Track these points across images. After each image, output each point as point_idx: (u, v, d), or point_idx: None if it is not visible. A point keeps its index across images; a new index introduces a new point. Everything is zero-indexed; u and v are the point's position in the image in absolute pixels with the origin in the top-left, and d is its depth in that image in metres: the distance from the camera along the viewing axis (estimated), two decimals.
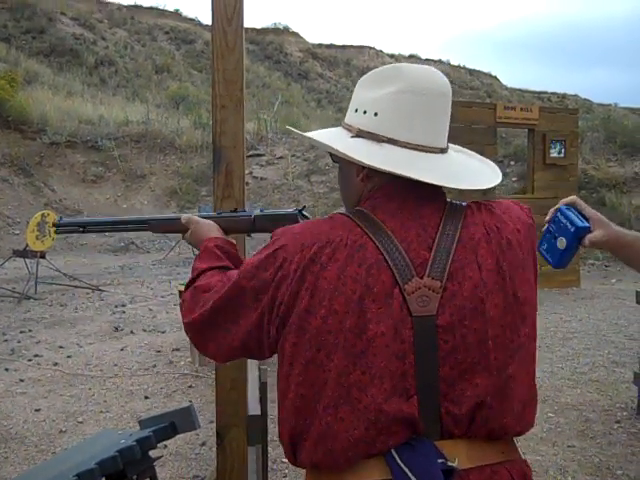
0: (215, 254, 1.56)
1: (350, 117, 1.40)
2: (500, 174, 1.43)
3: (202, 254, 1.59)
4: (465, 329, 1.23)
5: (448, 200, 1.36)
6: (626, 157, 14.07)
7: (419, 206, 1.32)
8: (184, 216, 1.79)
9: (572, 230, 1.47)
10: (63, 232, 1.96)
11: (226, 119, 2.26)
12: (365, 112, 1.36)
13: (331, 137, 1.40)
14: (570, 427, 4.47)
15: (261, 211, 1.83)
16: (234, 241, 1.70)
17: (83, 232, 1.94)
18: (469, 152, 1.48)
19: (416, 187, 1.32)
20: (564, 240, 1.49)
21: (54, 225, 1.94)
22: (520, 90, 41.14)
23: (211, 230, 1.71)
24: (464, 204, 1.36)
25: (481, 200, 1.39)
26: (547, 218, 1.53)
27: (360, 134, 1.36)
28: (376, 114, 1.34)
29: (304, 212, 1.78)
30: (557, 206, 1.52)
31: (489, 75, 44.59)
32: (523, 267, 1.31)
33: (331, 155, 1.43)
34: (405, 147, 1.33)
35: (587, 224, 1.47)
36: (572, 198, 1.52)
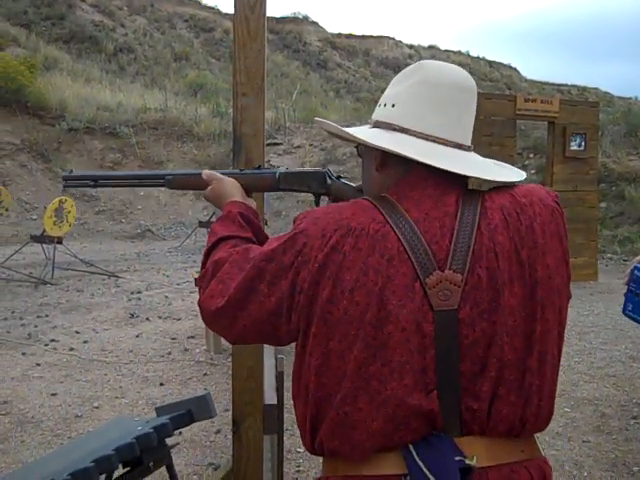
0: (238, 222, 1.51)
1: (375, 112, 1.42)
2: (524, 174, 1.40)
3: (224, 219, 1.53)
4: (485, 322, 1.21)
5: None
6: None
7: (442, 195, 1.29)
8: (205, 172, 1.73)
9: None
10: (72, 186, 1.90)
11: (247, 107, 2.25)
12: (385, 105, 1.39)
13: (352, 129, 1.42)
14: (586, 422, 4.44)
15: (286, 169, 1.75)
16: (254, 204, 1.65)
17: (94, 186, 1.88)
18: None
19: (437, 176, 1.30)
20: None
21: (64, 179, 1.89)
22: (540, 82, 40.79)
23: (234, 191, 1.65)
24: (482, 189, 1.33)
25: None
26: (626, 280, 1.54)
27: (377, 125, 1.39)
28: (394, 105, 1.37)
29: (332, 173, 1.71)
30: (630, 266, 1.53)
31: (509, 67, 44.23)
32: (544, 252, 1.26)
33: (357, 149, 1.46)
34: (416, 136, 1.32)
35: None
36: None
